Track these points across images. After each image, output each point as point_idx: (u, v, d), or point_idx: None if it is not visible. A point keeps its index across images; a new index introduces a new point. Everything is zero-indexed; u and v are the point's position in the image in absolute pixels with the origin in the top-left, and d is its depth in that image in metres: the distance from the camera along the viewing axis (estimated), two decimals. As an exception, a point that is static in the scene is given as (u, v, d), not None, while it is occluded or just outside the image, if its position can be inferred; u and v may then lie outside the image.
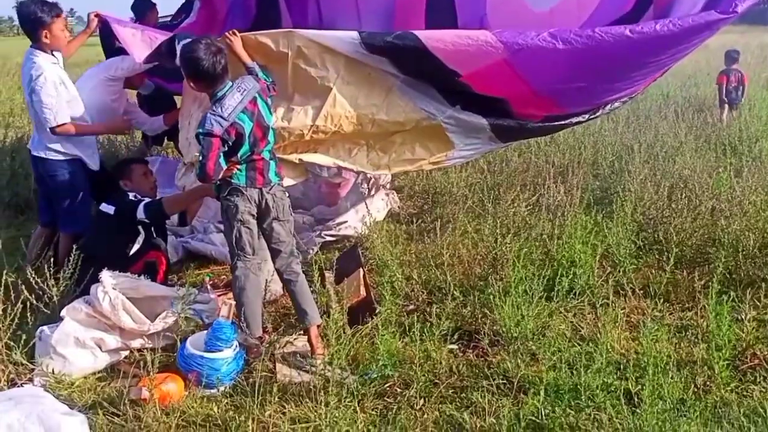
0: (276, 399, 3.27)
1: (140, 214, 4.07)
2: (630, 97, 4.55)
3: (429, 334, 3.71)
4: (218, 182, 3.54)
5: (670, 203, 5.43)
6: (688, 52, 4.01)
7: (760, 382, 3.50)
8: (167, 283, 4.31)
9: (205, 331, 3.61)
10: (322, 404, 3.11)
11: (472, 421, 3.21)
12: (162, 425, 3.10)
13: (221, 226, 4.51)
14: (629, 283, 4.41)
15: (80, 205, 4.32)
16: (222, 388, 3.44)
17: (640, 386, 3.34)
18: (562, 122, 4.44)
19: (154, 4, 5.99)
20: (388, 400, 3.38)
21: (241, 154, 3.49)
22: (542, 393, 3.22)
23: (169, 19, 6.10)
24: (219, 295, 4.20)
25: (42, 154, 4.22)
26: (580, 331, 4.02)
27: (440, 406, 3.35)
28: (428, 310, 4.24)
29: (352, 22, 5.71)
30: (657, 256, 4.93)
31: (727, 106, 9.77)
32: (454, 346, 3.91)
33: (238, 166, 3.51)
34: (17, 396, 3.01)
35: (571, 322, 4.09)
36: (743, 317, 3.93)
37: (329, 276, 4.70)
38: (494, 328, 3.91)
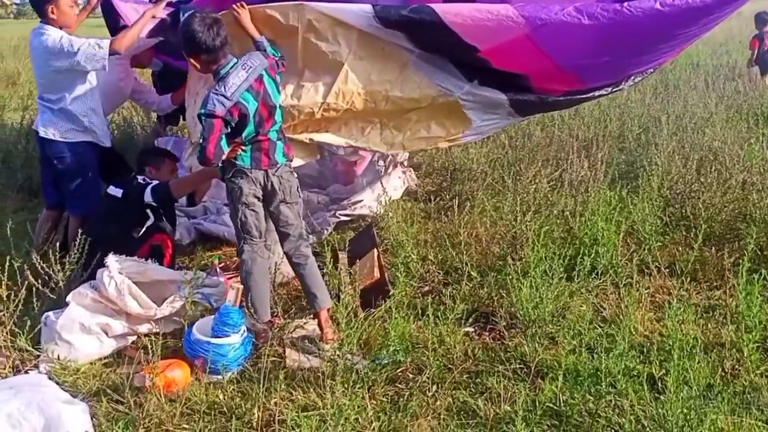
0: (283, 386, 3.16)
1: (147, 197, 3.98)
2: (655, 68, 4.32)
3: (444, 317, 3.57)
4: (222, 164, 3.41)
5: (699, 177, 5.21)
6: (719, 21, 3.77)
7: (792, 365, 3.32)
8: (175, 266, 4.22)
9: (213, 316, 3.51)
10: (329, 391, 3.00)
11: (486, 408, 3.08)
12: (165, 413, 3.02)
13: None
14: (654, 262, 4.24)
15: (89, 186, 4.22)
16: (229, 375, 3.35)
17: (664, 371, 3.18)
18: (584, 95, 4.22)
19: None
20: (399, 386, 3.26)
21: (246, 135, 3.35)
22: (560, 378, 3.09)
23: None
24: (229, 278, 4.11)
25: (50, 135, 4.11)
26: (601, 312, 3.85)
27: (454, 392, 3.22)
28: (444, 291, 4.11)
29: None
30: (684, 233, 4.72)
31: (758, 69, 9.36)
32: (470, 329, 3.78)
33: (243, 147, 3.37)
34: (18, 384, 2.95)
35: (593, 303, 3.92)
36: (775, 297, 3.73)
37: (342, 257, 4.57)
38: (511, 310, 3.76)
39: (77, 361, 3.47)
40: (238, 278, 3.85)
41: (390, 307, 3.66)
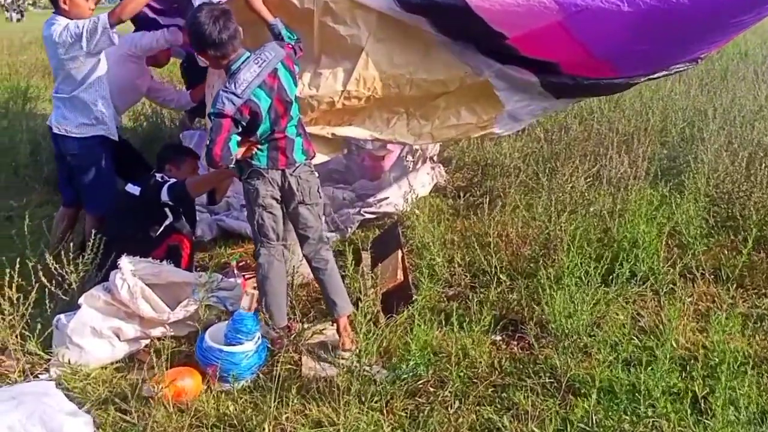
0: (298, 398, 3.00)
1: (164, 196, 3.85)
2: (699, 59, 4.02)
3: (470, 324, 3.36)
4: (239, 164, 3.23)
5: (749, 175, 4.88)
6: None
7: None
8: (193, 266, 4.08)
9: (226, 322, 3.36)
10: (345, 406, 2.83)
11: (512, 426, 2.87)
12: (173, 425, 2.88)
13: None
14: (699, 267, 3.97)
15: (104, 183, 4.11)
16: (242, 384, 3.20)
17: (708, 390, 2.94)
18: (620, 81, 3.93)
19: None
20: (419, 400, 3.07)
21: (261, 134, 3.16)
22: (594, 395, 2.86)
23: None
24: (248, 278, 3.96)
25: (62, 131, 4.01)
26: (640, 322, 3.60)
27: (478, 408, 3.02)
28: (471, 295, 3.90)
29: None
30: (731, 236, 4.43)
31: None
32: (497, 338, 3.57)
33: (259, 146, 3.19)
34: (21, 394, 2.83)
35: (631, 311, 3.66)
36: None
37: (366, 257, 4.39)
38: (542, 318, 3.54)
39: (88, 365, 3.36)
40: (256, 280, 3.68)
41: (413, 313, 3.48)
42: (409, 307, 3.54)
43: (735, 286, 3.80)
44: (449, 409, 2.98)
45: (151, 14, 4.49)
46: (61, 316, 3.45)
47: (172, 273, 3.70)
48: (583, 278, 3.54)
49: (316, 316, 3.79)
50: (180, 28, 4.44)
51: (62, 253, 3.61)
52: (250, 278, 3.95)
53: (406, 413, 2.98)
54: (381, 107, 3.87)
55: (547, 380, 3.15)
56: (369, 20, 3.56)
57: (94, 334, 3.39)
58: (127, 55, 4.39)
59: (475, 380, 3.16)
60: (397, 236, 4.35)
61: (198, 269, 4.36)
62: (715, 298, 3.83)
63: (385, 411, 2.94)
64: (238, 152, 3.12)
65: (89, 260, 3.67)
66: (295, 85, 3.28)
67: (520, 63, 3.69)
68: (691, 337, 3.47)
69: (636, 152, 5.36)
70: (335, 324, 3.44)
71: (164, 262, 3.73)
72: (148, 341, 3.58)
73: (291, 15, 3.52)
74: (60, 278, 3.57)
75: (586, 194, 4.78)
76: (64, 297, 3.54)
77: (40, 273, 3.46)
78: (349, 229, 4.88)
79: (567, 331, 3.28)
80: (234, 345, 3.23)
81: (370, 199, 5.12)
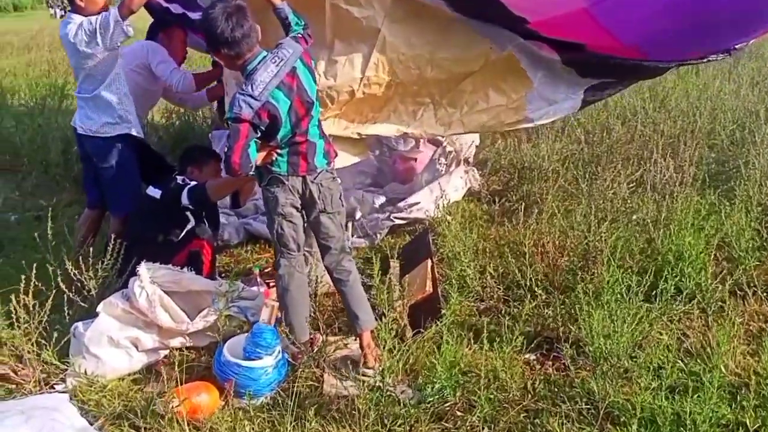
0: (317, 418, 2.85)
1: (184, 199, 3.73)
2: (733, 49, 3.71)
3: (501, 342, 3.17)
4: (258, 170, 3.08)
5: (806, 182, 4.57)
6: None
7: None
8: (215, 273, 3.96)
9: (246, 335, 3.22)
10: (365, 429, 2.67)
11: (545, 456, 2.68)
12: (186, 445, 2.76)
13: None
14: (750, 283, 3.71)
15: (129, 184, 4.02)
16: (261, 400, 3.06)
17: (760, 422, 2.70)
18: (648, 64, 3.65)
19: None
20: (446, 424, 2.89)
21: (281, 138, 3.00)
22: (635, 424, 2.67)
23: None
24: (271, 287, 3.82)
25: (87, 131, 3.92)
26: (685, 343, 3.35)
27: (508, 435, 2.83)
28: (504, 310, 3.70)
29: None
30: (787, 249, 4.13)
31: None
32: (531, 357, 3.37)
33: (279, 151, 3.03)
34: (31, 408, 2.74)
35: (676, 332, 3.42)
36: None
37: (394, 266, 4.22)
38: (580, 336, 3.32)
39: (105, 376, 3.26)
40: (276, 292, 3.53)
41: (441, 329, 3.30)
42: (438, 322, 3.36)
43: (790, 304, 3.56)
44: (478, 435, 2.80)
45: (164, 3, 4.36)
46: (79, 324, 3.35)
47: (193, 281, 3.59)
48: (624, 294, 3.31)
49: (341, 327, 3.64)
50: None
51: (81, 257, 3.52)
52: (273, 287, 3.81)
53: (431, 439, 2.81)
54: (405, 99, 3.69)
55: (583, 406, 2.94)
56: (384, 0, 3.36)
57: (111, 344, 3.29)
58: (131, 70, 4.20)
59: (505, 404, 2.97)
60: (427, 244, 4.17)
61: (223, 275, 4.25)
62: (768, 318, 3.57)
63: (408, 436, 2.78)
64: (257, 158, 2.97)
65: (109, 265, 3.58)
66: (315, 82, 3.10)
67: (542, 40, 3.48)
68: (741, 362, 3.22)
69: (682, 156, 5.09)
70: (358, 339, 3.28)
71: (185, 268, 3.61)
72: (167, 352, 3.47)
73: None
74: (79, 284, 3.49)
75: (629, 201, 4.53)
76: (82, 304, 3.46)
77: (60, 278, 3.39)
78: (379, 236, 4.71)
79: (605, 353, 3.05)
80: (253, 359, 3.09)
81: (401, 204, 4.94)
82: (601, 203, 4.42)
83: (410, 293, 3.74)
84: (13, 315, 3.17)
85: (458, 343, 3.36)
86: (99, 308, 3.37)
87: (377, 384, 2.95)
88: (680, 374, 3.03)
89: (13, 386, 3.21)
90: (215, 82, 4.81)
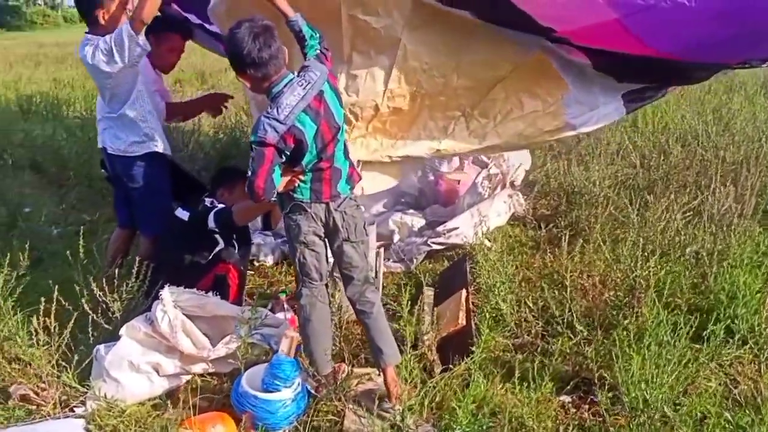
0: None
1: (211, 222, 3.66)
2: None
3: (534, 382, 2.97)
4: (279, 196, 2.97)
5: None
6: None
7: None
8: (242, 298, 3.86)
9: (266, 365, 3.11)
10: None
11: None
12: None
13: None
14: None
15: (159, 204, 3.95)
16: (278, 435, 2.94)
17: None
18: (686, 66, 3.38)
19: None
20: (468, 471, 2.71)
21: (306, 163, 2.87)
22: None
23: None
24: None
25: (115, 151, 3.88)
26: (734, 391, 3.07)
27: (535, 487, 2.62)
28: (542, 346, 3.49)
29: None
30: None
31: None
32: (567, 399, 3.15)
33: (302, 177, 2.91)
34: (40, 436, 2.68)
35: (725, 378, 3.14)
36: None
37: (428, 294, 4.04)
38: (619, 380, 3.08)
39: (125, 400, 3.19)
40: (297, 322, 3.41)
41: (471, 366, 3.13)
42: (467, 358, 3.18)
43: None
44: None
45: (183, 13, 4.28)
46: (101, 346, 3.30)
47: (217, 305, 3.50)
48: (669, 336, 3.06)
49: (367, 358, 3.49)
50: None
51: (108, 278, 3.49)
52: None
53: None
54: (434, 114, 3.53)
55: (619, 460, 2.71)
56: (403, 7, 3.21)
57: (131, 369, 3.22)
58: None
59: (535, 454, 2.76)
60: (463, 272, 3.99)
61: (254, 297, 4.17)
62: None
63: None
64: (281, 184, 2.86)
65: (135, 287, 3.54)
66: (341, 105, 2.97)
67: (571, 45, 3.28)
68: (799, 415, 2.92)
69: (744, 185, 4.75)
70: (382, 373, 3.12)
71: (210, 292, 3.54)
72: (189, 377, 3.39)
73: (315, 8, 3.15)
74: (104, 305, 3.45)
75: (682, 233, 4.24)
76: (106, 326, 3.41)
77: (84, 299, 3.35)
78: (415, 261, 4.55)
79: (644, 402, 2.81)
80: (271, 392, 2.98)
81: (439, 228, 4.76)
82: (651, 234, 4.15)
83: (442, 325, 3.57)
84: (33, 336, 3.15)
85: (490, 382, 3.20)
86: (122, 331, 3.32)
87: (397, 423, 2.80)
88: (727, 425, 2.76)
89: (34, 407, 3.19)
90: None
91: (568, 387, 3.15)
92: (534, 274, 4.28)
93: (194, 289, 3.49)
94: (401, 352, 3.09)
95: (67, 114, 9.45)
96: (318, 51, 2.94)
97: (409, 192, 5.51)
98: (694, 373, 3.02)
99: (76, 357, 3.19)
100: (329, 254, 3.10)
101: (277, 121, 2.70)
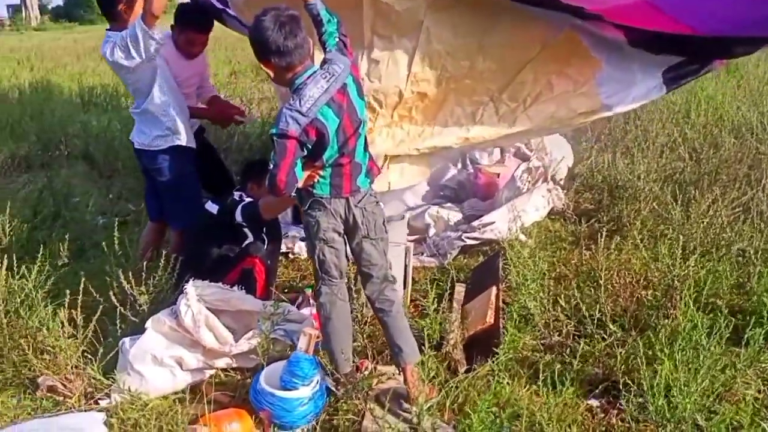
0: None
1: (238, 216, 3.66)
2: None
3: (561, 383, 2.86)
4: (299, 192, 2.91)
5: None
6: None
7: None
8: (270, 292, 3.85)
9: (285, 362, 3.08)
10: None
11: None
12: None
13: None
14: None
15: (187, 197, 3.99)
16: (297, 432, 2.91)
17: None
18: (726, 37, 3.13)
19: None
20: (485, 476, 2.62)
21: (327, 158, 2.81)
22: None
23: None
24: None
25: (142, 146, 3.93)
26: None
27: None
28: (573, 347, 3.36)
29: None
30: None
31: None
32: (595, 403, 3.02)
33: (321, 172, 2.85)
34: (59, 428, 2.73)
35: (762, 386, 2.95)
36: None
37: (459, 290, 3.95)
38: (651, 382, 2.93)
39: (148, 394, 3.21)
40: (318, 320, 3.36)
41: (495, 367, 3.03)
42: (492, 358, 3.09)
43: None
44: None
45: (218, 5, 4.29)
46: (126, 339, 3.33)
47: (242, 300, 3.50)
48: (705, 339, 2.89)
49: (392, 355, 3.42)
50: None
51: (135, 271, 3.52)
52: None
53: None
54: (461, 100, 3.41)
55: (647, 470, 2.58)
56: None
57: (155, 362, 3.25)
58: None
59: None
60: (495, 269, 3.88)
61: (285, 291, 4.16)
62: None
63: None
64: (302, 178, 2.80)
65: (162, 280, 3.56)
66: (363, 98, 2.89)
67: (603, 21, 3.10)
68: None
69: (799, 180, 4.49)
70: (402, 372, 3.05)
71: (235, 287, 3.53)
72: (212, 372, 3.39)
73: None
74: (132, 298, 3.48)
75: (728, 230, 4.02)
76: (133, 318, 3.44)
77: (113, 291, 3.39)
78: (449, 256, 4.46)
79: (675, 408, 2.66)
80: (288, 389, 2.95)
81: (475, 223, 4.65)
82: (694, 231, 3.95)
83: (469, 323, 3.48)
84: (59, 328, 3.20)
85: (516, 382, 3.10)
86: (147, 324, 3.34)
87: (414, 423, 2.73)
88: (764, 437, 2.60)
89: (61, 398, 3.24)
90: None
91: (597, 390, 3.03)
92: (571, 270, 4.13)
93: (220, 283, 3.50)
94: (421, 351, 3.02)
95: (126, 105, 9.63)
96: (337, 39, 2.87)
97: (449, 185, 5.41)
98: (731, 380, 2.85)
99: (101, 349, 3.22)
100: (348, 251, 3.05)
101: (300, 113, 2.64)
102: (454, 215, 4.93)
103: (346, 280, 3.11)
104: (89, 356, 3.23)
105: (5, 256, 3.58)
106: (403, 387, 3.11)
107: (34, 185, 6.49)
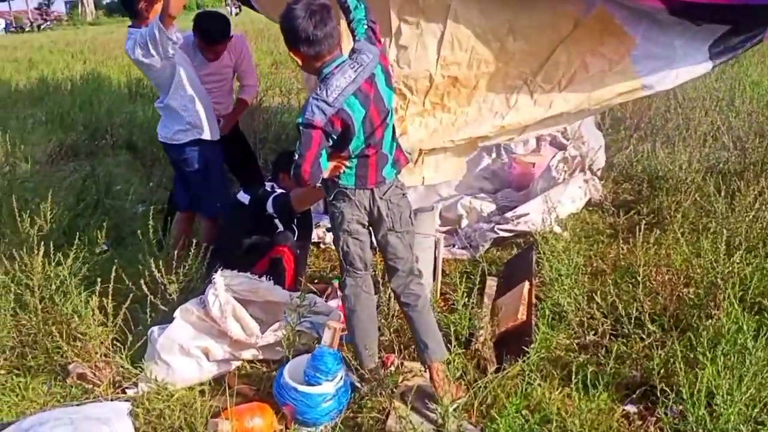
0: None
1: (269, 207, 3.63)
2: None
3: (596, 386, 2.75)
4: (324, 183, 2.86)
5: None
6: None
7: None
8: (299, 282, 3.81)
9: (309, 356, 3.04)
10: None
11: None
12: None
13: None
14: None
15: (212, 187, 4.03)
16: (320, 429, 2.86)
17: None
18: None
19: None
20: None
21: (353, 149, 2.75)
22: None
23: None
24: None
25: (165, 140, 4.00)
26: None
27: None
28: (609, 347, 3.23)
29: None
30: None
31: None
32: (632, 409, 2.90)
33: (347, 163, 2.78)
34: (83, 418, 2.72)
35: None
36: None
37: (491, 285, 3.85)
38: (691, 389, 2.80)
39: (174, 384, 3.19)
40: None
41: (526, 367, 2.94)
42: (522, 357, 2.99)
43: None
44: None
45: (255, 5, 4.25)
46: (155, 328, 3.33)
47: (269, 290, 3.47)
48: (751, 343, 2.74)
49: (417, 352, 3.35)
50: None
51: (161, 261, 3.51)
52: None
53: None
54: (494, 85, 3.33)
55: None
56: None
57: (181, 352, 3.24)
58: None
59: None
60: (528, 263, 3.77)
61: (315, 281, 4.12)
62: None
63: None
64: (327, 169, 2.75)
65: (192, 269, 3.55)
66: (391, 89, 2.82)
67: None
68: None
69: None
70: (428, 370, 2.98)
71: (264, 276, 3.50)
72: (238, 363, 3.37)
73: None
74: (163, 287, 3.48)
75: (775, 225, 3.84)
76: (163, 308, 3.43)
77: (143, 279, 3.38)
78: (480, 248, 4.36)
79: (717, 419, 2.53)
80: (312, 385, 2.90)
81: (508, 215, 4.53)
82: (739, 226, 3.78)
83: (500, 320, 3.39)
84: (90, 316, 3.21)
85: (548, 384, 3.00)
86: (176, 313, 3.34)
87: (439, 425, 2.66)
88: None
89: (90, 386, 3.26)
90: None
91: (635, 395, 2.92)
92: (608, 265, 4.00)
93: (248, 273, 3.47)
94: (448, 348, 2.94)
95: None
96: (366, 26, 2.81)
97: (484, 175, 5.29)
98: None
99: (131, 338, 3.23)
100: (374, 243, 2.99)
101: (326, 103, 2.58)
102: (487, 206, 4.81)
103: (372, 272, 3.05)
104: (119, 344, 3.23)
105: (42, 243, 3.61)
106: (429, 385, 3.05)
107: (79, 173, 6.59)
